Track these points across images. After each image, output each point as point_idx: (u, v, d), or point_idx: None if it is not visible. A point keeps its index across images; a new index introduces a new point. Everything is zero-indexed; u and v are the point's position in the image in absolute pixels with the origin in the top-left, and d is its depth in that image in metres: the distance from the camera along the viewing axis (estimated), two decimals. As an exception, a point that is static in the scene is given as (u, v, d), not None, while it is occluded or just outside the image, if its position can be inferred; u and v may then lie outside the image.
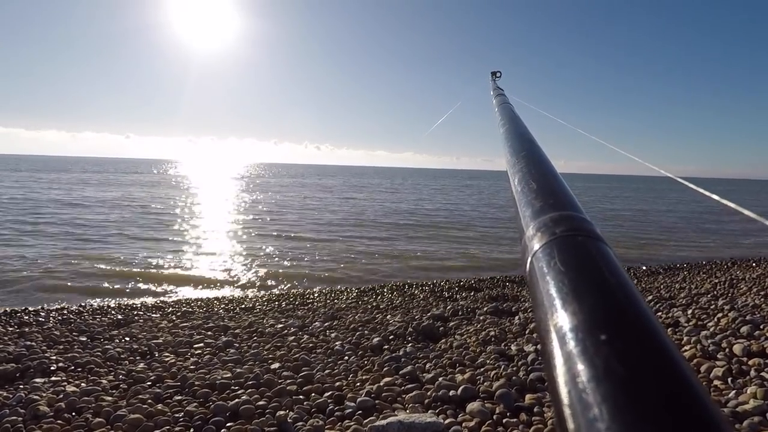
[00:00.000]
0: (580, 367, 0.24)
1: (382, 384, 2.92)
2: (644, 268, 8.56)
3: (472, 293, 6.20)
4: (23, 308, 5.38)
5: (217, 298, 6.17)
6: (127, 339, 4.04)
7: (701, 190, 0.77)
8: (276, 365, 3.33)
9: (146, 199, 20.47)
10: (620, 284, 0.29)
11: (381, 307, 5.36)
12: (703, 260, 9.51)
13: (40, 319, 4.83)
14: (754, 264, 8.56)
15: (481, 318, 4.58)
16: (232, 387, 2.94)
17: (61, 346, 3.79)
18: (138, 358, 3.57)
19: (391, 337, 3.96)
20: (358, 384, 2.99)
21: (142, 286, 6.83)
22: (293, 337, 4.05)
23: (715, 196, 0.70)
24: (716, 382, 2.74)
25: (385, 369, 3.21)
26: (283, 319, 4.76)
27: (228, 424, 2.49)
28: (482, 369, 3.11)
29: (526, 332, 3.98)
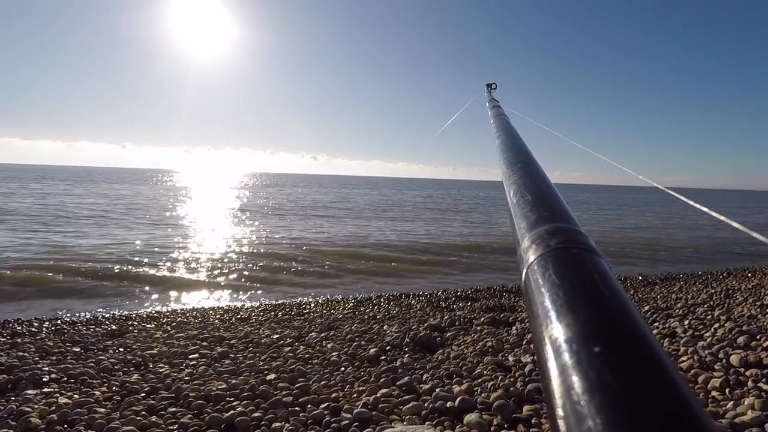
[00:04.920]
0: (575, 378, 0.24)
1: (378, 395, 2.90)
2: (640, 278, 8.57)
3: (469, 303, 6.18)
4: (16, 318, 5.32)
5: (212, 309, 6.13)
6: (121, 349, 4.00)
7: (691, 202, 0.77)
8: (272, 376, 3.30)
9: (142, 209, 20.40)
10: (614, 297, 0.29)
11: (378, 317, 5.33)
12: (698, 270, 9.54)
13: (33, 329, 4.78)
14: (749, 274, 8.59)
15: (479, 328, 4.56)
16: (228, 398, 2.91)
17: (54, 357, 3.75)
18: (132, 369, 3.53)
19: (388, 347, 3.94)
20: (355, 395, 2.97)
21: (136, 296, 6.78)
22: (289, 348, 4.02)
23: (704, 208, 0.71)
24: (714, 393, 2.73)
25: (381, 380, 3.18)
26: (279, 330, 4.72)
27: (223, 437, 2.46)
28: (480, 380, 3.09)
29: (524, 343, 3.97)
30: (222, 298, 6.93)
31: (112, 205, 21.07)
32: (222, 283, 7.74)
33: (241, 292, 7.25)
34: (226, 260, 9.64)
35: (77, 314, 5.65)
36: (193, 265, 9.08)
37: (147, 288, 7.19)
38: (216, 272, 8.50)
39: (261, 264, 9.26)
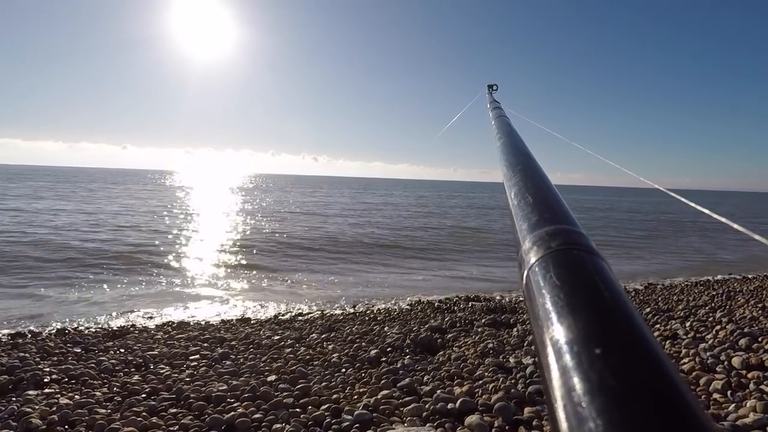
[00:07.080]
0: (576, 380, 0.24)
1: (379, 397, 2.90)
2: (642, 284, 8.55)
3: (470, 304, 6.18)
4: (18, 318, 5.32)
5: (213, 309, 6.13)
6: (122, 350, 4.00)
7: (692, 204, 0.77)
8: (272, 377, 3.30)
9: (142, 211, 20.43)
10: (615, 298, 0.29)
11: (378, 318, 5.33)
12: (700, 272, 9.50)
13: (34, 329, 4.79)
14: (750, 276, 8.57)
15: (479, 330, 4.56)
16: (228, 399, 2.91)
17: (55, 358, 3.75)
18: (133, 369, 3.53)
19: (389, 349, 3.93)
20: (356, 397, 2.96)
21: (137, 296, 6.78)
22: (290, 349, 4.01)
23: (705, 210, 0.71)
24: (716, 396, 2.72)
25: (382, 381, 3.18)
26: (280, 331, 4.72)
27: (223, 438, 2.46)
28: (480, 381, 3.09)
29: (525, 344, 3.96)
30: (222, 299, 6.92)
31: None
32: (222, 284, 7.73)
33: (241, 293, 7.24)
34: (227, 261, 9.64)
35: (78, 315, 5.65)
36: (194, 265, 9.09)
37: (147, 288, 7.19)
38: (216, 273, 8.50)
39: (262, 265, 9.26)
